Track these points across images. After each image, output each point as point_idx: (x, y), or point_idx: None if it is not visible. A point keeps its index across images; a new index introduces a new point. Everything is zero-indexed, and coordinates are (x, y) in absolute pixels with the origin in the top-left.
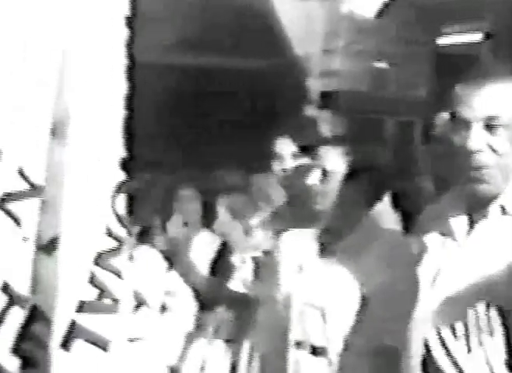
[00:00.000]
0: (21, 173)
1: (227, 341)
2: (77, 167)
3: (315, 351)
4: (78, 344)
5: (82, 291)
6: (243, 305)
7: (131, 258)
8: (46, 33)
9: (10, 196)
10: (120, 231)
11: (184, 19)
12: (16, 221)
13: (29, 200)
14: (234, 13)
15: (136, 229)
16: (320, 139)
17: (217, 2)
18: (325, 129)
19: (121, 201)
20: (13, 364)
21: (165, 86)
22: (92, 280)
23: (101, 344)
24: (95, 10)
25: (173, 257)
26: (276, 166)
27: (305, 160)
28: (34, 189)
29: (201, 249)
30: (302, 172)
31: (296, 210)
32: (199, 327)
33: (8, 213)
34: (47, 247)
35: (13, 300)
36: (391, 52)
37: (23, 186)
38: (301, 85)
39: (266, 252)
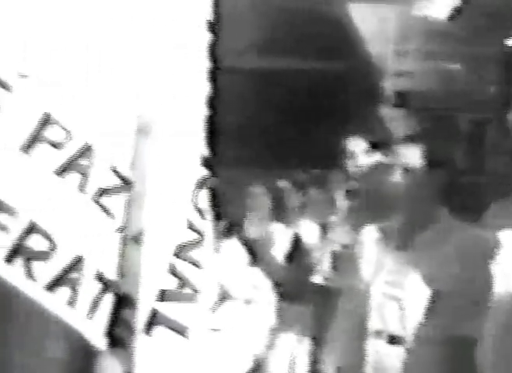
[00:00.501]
0: (114, 169)
1: (308, 333)
2: (161, 164)
3: (393, 340)
4: (159, 330)
5: (163, 280)
6: (323, 297)
7: (215, 251)
8: (133, 35)
9: (104, 191)
10: (202, 225)
11: (263, 23)
12: (109, 214)
13: (121, 194)
14: (311, 17)
15: (219, 224)
16: (395, 137)
17: (294, 7)
18: (399, 127)
19: (204, 196)
20: (104, 344)
21: (245, 89)
22: (173, 271)
23: (181, 331)
24: (178, 15)
25: (255, 251)
26: (351, 163)
27: (379, 157)
28: (126, 185)
29: (278, 244)
30: (381, 168)
31: (374, 205)
32: (281, 320)
33: (102, 207)
34: (135, 239)
35: (107, 287)
36: (462, 52)
37: (116, 181)
38: (375, 85)
39: (345, 246)
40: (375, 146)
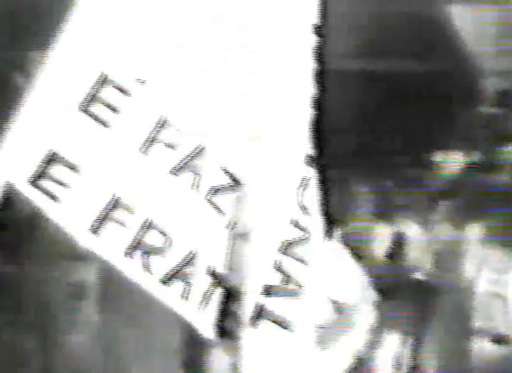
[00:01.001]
0: (225, 169)
1: (410, 332)
2: (268, 162)
3: (498, 339)
4: (264, 324)
5: (269, 276)
6: (425, 296)
7: (319, 249)
8: (242, 38)
9: (215, 190)
10: (307, 223)
11: (364, 26)
12: (220, 211)
13: (231, 193)
14: (411, 19)
15: (325, 221)
16: (495, 137)
17: (394, 10)
18: (500, 127)
19: (310, 195)
20: (213, 336)
21: (346, 90)
22: (278, 267)
23: (285, 326)
24: (285, 17)
25: (356, 250)
26: (450, 163)
27: (479, 156)
28: (236, 184)
29: (380, 242)
30: (482, 167)
31: (477, 203)
32: (383, 318)
33: (214, 205)
34: (242, 235)
35: (217, 282)
36: None
37: (226, 180)
38: (475, 85)
39: (448, 244)
40: (476, 146)
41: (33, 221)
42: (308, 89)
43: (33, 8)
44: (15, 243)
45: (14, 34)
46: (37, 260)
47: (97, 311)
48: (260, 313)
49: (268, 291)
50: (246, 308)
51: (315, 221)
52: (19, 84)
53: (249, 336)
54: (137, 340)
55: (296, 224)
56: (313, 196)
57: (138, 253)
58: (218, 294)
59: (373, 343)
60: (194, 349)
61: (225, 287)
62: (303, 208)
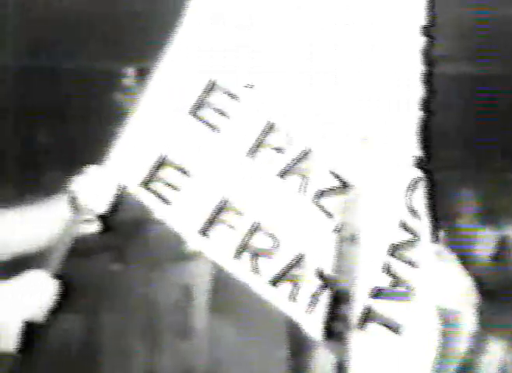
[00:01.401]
0: (333, 172)
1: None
2: (376, 165)
3: None
4: (373, 326)
5: (378, 278)
6: None
7: (428, 251)
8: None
9: (323, 193)
10: (416, 226)
11: (466, 31)
12: (328, 214)
13: (339, 196)
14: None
15: (430, 224)
16: None
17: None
18: None
19: (418, 197)
20: (321, 337)
21: (451, 93)
22: (387, 269)
23: (394, 329)
24: (393, 20)
25: (461, 253)
26: None
27: None
28: (344, 187)
29: (484, 245)
30: None
31: None
32: (487, 322)
33: (321, 207)
34: (351, 238)
35: (326, 284)
36: None
37: (335, 183)
38: None
39: None
40: None
41: (140, 223)
42: (416, 91)
43: (131, 23)
44: (122, 244)
45: (111, 47)
46: (144, 261)
47: (204, 313)
48: (368, 316)
49: (377, 293)
50: (354, 311)
51: (424, 224)
52: (118, 94)
53: (357, 339)
54: (244, 343)
55: (405, 227)
56: (421, 198)
57: (246, 255)
58: (326, 296)
59: (477, 349)
60: (300, 350)
61: (333, 290)
62: (412, 211)
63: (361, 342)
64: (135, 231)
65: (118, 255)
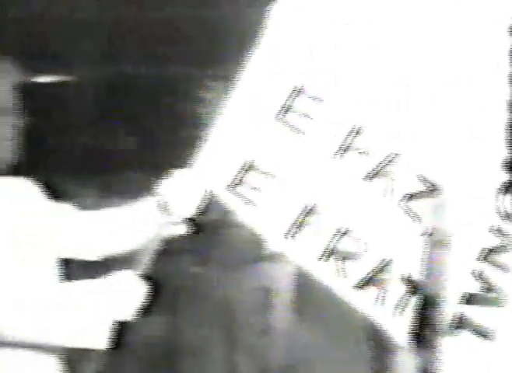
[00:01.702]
0: (420, 175)
1: None
2: (465, 167)
3: None
4: (464, 333)
5: (468, 284)
6: None
7: None
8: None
9: (410, 196)
10: (508, 230)
11: None
12: (415, 218)
13: (427, 199)
14: None
15: None
16: None
17: None
18: None
19: (510, 200)
20: (407, 343)
21: None
22: (478, 275)
23: (486, 336)
24: (479, 19)
25: None
26: None
27: None
28: (433, 190)
29: None
30: None
31: None
32: None
33: (409, 211)
34: (440, 242)
35: (413, 289)
36: None
37: (422, 186)
38: None
39: None
40: None
41: (220, 225)
42: (504, 93)
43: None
44: (203, 246)
45: (194, 52)
46: (225, 263)
47: (285, 315)
48: (459, 322)
49: (468, 299)
50: (444, 317)
51: None
52: (201, 98)
53: (448, 346)
54: (326, 346)
55: (497, 231)
56: None
57: (332, 259)
58: (414, 301)
59: None
60: (384, 355)
61: (421, 295)
62: (504, 214)
63: (451, 348)
64: (215, 233)
65: (199, 256)
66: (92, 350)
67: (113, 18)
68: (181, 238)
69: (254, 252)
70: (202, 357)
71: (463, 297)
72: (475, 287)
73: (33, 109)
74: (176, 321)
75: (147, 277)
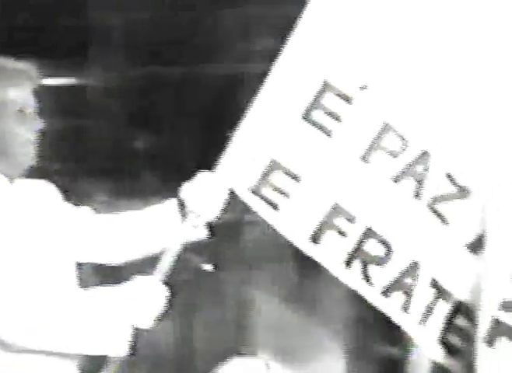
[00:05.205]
0: (450, 176)
1: None
2: (500, 169)
3: None
4: (503, 341)
5: (507, 289)
6: None
7: None
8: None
9: (439, 198)
10: None
11: None
12: (444, 220)
13: (457, 201)
14: None
15: None
16: None
17: None
18: None
19: None
20: (439, 353)
21: None
22: None
23: None
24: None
25: None
26: None
27: None
28: (462, 192)
29: None
30: None
31: None
32: None
33: (437, 213)
34: (471, 246)
35: (441, 294)
36: None
37: (452, 188)
38: None
39: None
40: None
41: (237, 225)
42: None
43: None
44: (218, 246)
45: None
46: (240, 262)
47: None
48: (497, 330)
49: (507, 306)
50: (480, 325)
51: None
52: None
53: (485, 355)
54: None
55: None
56: None
57: (358, 262)
58: (443, 307)
59: None
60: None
61: (452, 301)
62: None
63: (489, 358)
64: (232, 233)
65: (215, 256)
66: (111, 357)
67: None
68: (201, 241)
69: (270, 252)
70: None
71: (502, 303)
72: None
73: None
74: (190, 319)
75: (168, 283)
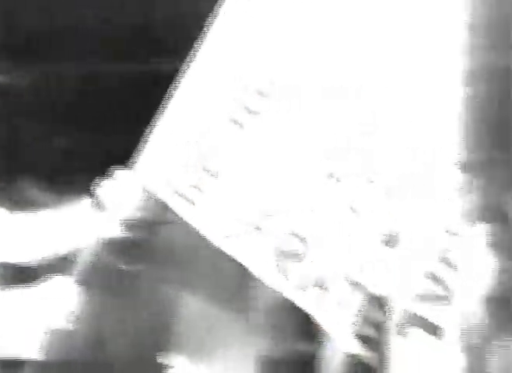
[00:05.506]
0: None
1: None
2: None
3: None
4: (413, 331)
5: (418, 282)
6: None
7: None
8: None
9: (356, 198)
10: (461, 229)
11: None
12: (359, 215)
13: (373, 196)
14: None
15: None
16: None
17: None
18: None
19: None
20: (354, 345)
21: None
22: (428, 272)
23: (435, 333)
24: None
25: None
26: None
27: None
28: (378, 188)
29: None
30: None
31: None
32: None
33: (352, 209)
34: (386, 240)
35: (355, 287)
36: None
37: (374, 190)
38: None
39: None
40: None
41: (155, 224)
42: (458, 90)
43: None
44: (136, 245)
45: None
46: (157, 262)
47: None
48: (409, 320)
49: (418, 297)
50: (393, 316)
51: (476, 231)
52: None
53: (397, 345)
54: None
55: (451, 231)
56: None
57: (274, 257)
58: (358, 300)
59: None
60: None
61: (367, 294)
62: (461, 215)
63: (401, 348)
64: (150, 232)
65: (132, 255)
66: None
67: None
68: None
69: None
70: None
71: (413, 295)
72: (425, 285)
73: None
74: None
75: (81, 283)
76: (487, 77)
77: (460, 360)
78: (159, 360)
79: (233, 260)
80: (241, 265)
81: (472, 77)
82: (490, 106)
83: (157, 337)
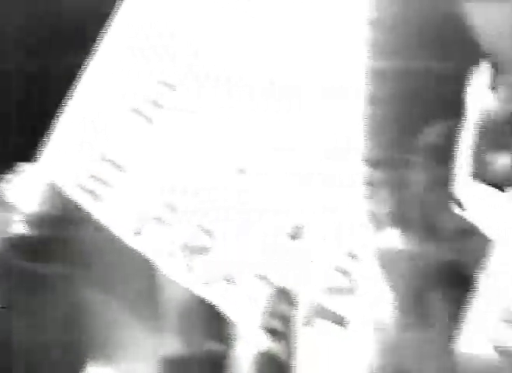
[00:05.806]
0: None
1: None
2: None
3: None
4: (319, 322)
5: (324, 274)
6: None
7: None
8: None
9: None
10: (366, 222)
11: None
12: (263, 210)
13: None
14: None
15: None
16: None
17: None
18: None
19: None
20: (263, 339)
21: None
22: (334, 266)
23: (340, 323)
24: (338, 12)
25: None
26: None
27: None
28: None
29: None
30: None
31: None
32: None
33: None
34: (292, 234)
35: (265, 282)
36: None
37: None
38: None
39: None
40: None
41: (67, 221)
42: (362, 86)
43: None
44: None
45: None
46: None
47: None
48: (316, 312)
49: (324, 289)
50: (300, 308)
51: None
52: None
53: (304, 336)
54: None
55: (357, 226)
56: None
57: (181, 252)
58: (265, 294)
59: None
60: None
61: (274, 288)
62: (368, 212)
63: (308, 339)
64: (62, 230)
65: (38, 253)
66: None
67: None
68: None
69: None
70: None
71: (319, 287)
72: (331, 278)
73: None
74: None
75: None
76: (391, 76)
77: (366, 349)
78: (69, 361)
79: (143, 257)
80: (150, 262)
81: (376, 76)
82: (395, 105)
83: (66, 337)
